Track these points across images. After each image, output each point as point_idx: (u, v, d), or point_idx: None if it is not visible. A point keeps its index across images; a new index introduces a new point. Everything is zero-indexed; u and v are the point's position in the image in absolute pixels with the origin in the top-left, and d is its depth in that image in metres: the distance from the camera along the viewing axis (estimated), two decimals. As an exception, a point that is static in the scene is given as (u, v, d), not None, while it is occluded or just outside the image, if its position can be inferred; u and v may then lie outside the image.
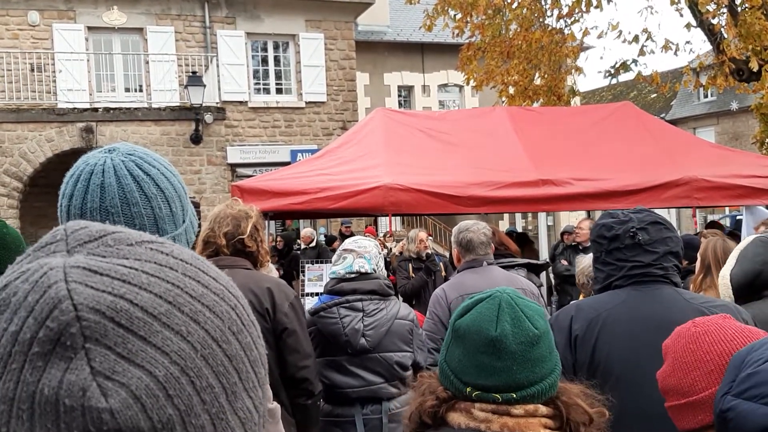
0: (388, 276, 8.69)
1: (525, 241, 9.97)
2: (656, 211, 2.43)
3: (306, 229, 12.46)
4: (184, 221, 1.47)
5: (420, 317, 4.47)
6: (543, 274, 7.64)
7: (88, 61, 15.07)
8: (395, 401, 3.41)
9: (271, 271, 4.31)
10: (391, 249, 9.76)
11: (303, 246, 11.91)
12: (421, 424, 1.45)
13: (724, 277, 2.80)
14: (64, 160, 13.75)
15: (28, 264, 0.51)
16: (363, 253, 3.45)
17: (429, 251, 7.99)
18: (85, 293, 0.47)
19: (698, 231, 7.13)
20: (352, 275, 3.40)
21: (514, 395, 1.36)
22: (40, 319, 0.46)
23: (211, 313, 0.52)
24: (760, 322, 2.51)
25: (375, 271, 3.45)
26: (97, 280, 0.48)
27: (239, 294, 0.58)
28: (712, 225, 8.70)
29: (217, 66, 15.70)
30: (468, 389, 1.40)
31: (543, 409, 1.38)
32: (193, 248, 1.47)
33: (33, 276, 0.49)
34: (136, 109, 14.48)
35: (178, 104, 14.78)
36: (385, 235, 10.30)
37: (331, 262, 8.22)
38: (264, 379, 0.59)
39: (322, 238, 14.17)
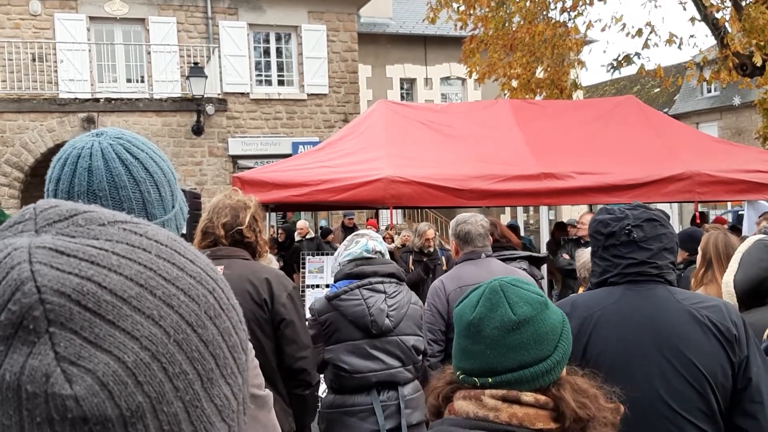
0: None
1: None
2: (658, 205, 2.44)
3: (300, 221, 12.36)
4: (173, 207, 1.45)
5: None
6: (544, 267, 7.62)
7: (89, 51, 15.03)
8: (408, 387, 3.47)
9: (271, 261, 4.31)
10: (393, 240, 9.77)
11: (299, 238, 11.81)
12: (432, 405, 1.48)
13: (727, 284, 2.78)
14: (65, 151, 13.73)
15: None
16: (374, 236, 3.65)
17: (432, 249, 7.95)
18: (49, 275, 0.45)
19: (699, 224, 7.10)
20: (369, 255, 3.53)
21: (490, 380, 1.37)
22: (2, 302, 0.44)
23: (186, 297, 0.50)
24: (762, 328, 2.51)
25: (385, 254, 3.62)
26: (64, 261, 0.46)
27: (219, 277, 0.56)
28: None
29: (219, 57, 15.66)
30: (457, 372, 1.43)
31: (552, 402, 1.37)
32: (184, 236, 1.44)
33: None
34: (137, 99, 14.47)
35: (179, 95, 14.76)
36: (387, 228, 10.29)
37: (329, 254, 8.23)
38: (244, 366, 0.57)
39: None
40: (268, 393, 1.64)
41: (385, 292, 3.45)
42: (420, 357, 3.54)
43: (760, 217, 6.62)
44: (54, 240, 0.48)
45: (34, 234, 0.49)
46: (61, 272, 0.45)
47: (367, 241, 3.56)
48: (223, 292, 0.55)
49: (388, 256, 3.66)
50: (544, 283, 7.76)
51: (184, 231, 1.50)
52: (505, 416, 1.33)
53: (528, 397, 1.34)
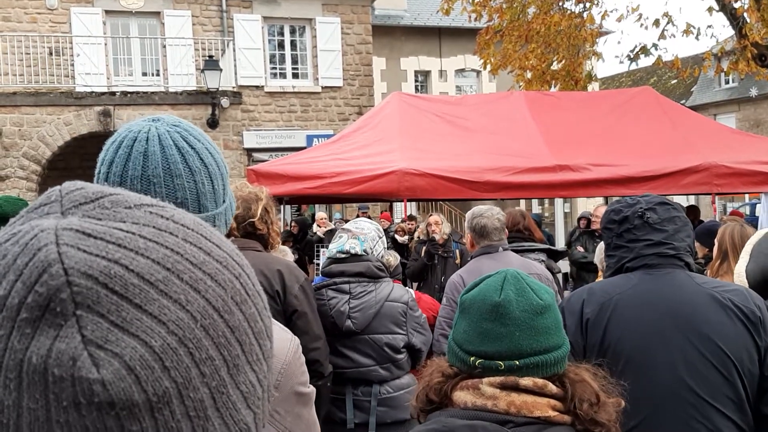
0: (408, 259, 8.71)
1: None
2: (675, 197, 2.42)
3: (320, 213, 12.39)
4: (224, 201, 1.40)
5: (427, 299, 4.45)
6: (562, 262, 7.58)
7: (105, 44, 15.11)
8: (387, 386, 3.41)
9: (286, 253, 4.30)
10: (405, 233, 9.80)
11: (324, 229, 11.71)
12: (428, 402, 1.44)
13: (740, 274, 2.76)
14: (81, 144, 13.83)
15: (20, 225, 0.48)
16: (358, 234, 3.44)
17: (436, 235, 7.90)
18: (76, 257, 0.44)
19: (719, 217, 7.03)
20: (343, 255, 3.41)
21: (517, 362, 1.36)
22: (29, 284, 0.43)
23: (213, 282, 0.49)
24: None
25: (367, 253, 3.43)
26: (91, 244, 0.45)
27: (244, 263, 0.55)
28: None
29: (234, 50, 15.68)
30: (472, 358, 1.40)
31: (552, 387, 1.36)
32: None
33: (23, 238, 0.46)
34: (153, 93, 14.52)
35: (194, 88, 14.80)
36: (401, 221, 10.31)
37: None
38: (270, 353, 0.56)
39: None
40: (313, 390, 1.60)
41: (349, 293, 3.37)
42: (400, 356, 3.42)
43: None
44: (81, 222, 0.47)
45: (60, 216, 0.48)
46: (88, 254, 0.45)
47: (346, 240, 3.43)
48: (249, 278, 0.54)
49: (372, 255, 3.45)
50: (562, 276, 7.71)
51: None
52: (503, 404, 1.33)
53: (526, 381, 1.34)
